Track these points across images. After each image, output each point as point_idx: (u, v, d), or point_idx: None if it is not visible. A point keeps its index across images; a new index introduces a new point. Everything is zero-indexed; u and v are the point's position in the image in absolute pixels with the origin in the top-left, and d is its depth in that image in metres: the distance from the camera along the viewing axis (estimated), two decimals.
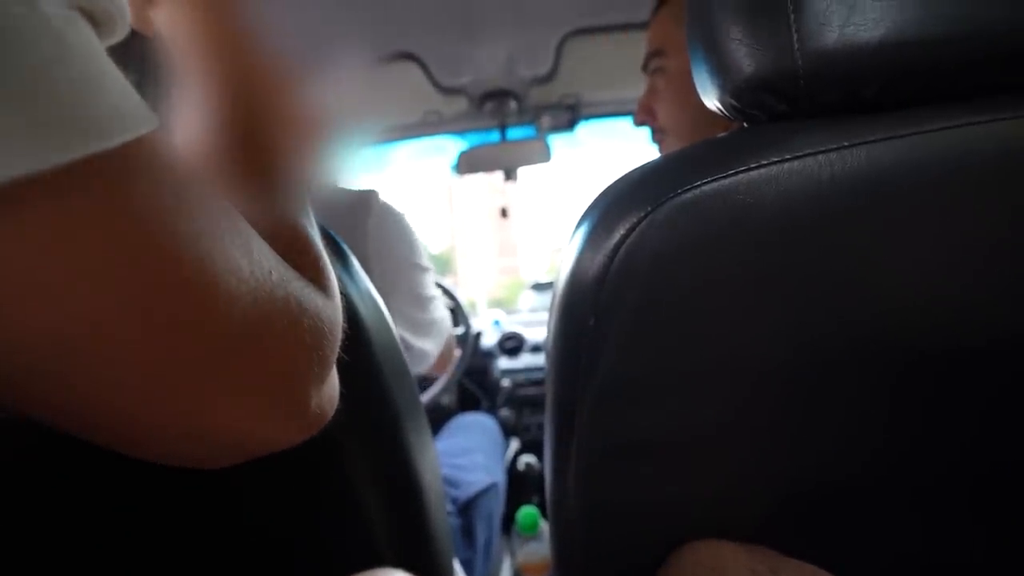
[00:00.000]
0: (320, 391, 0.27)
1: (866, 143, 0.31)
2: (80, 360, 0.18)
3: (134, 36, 0.33)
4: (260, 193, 0.29)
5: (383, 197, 0.82)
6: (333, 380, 0.29)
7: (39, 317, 0.17)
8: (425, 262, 0.89)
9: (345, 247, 0.49)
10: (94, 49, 0.17)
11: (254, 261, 0.22)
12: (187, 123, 0.29)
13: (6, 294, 0.16)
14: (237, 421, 0.23)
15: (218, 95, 0.29)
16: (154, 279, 0.18)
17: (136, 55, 0.33)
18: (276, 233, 0.27)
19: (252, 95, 0.30)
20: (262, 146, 0.30)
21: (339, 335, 0.29)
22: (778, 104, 0.34)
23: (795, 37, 0.32)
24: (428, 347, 0.92)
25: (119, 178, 0.18)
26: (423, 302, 0.89)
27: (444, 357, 1.18)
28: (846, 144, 0.31)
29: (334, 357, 0.28)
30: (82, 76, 0.16)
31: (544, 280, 3.32)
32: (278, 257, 0.25)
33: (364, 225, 0.78)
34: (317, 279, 0.28)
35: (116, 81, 0.18)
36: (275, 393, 0.24)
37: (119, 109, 0.17)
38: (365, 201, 0.80)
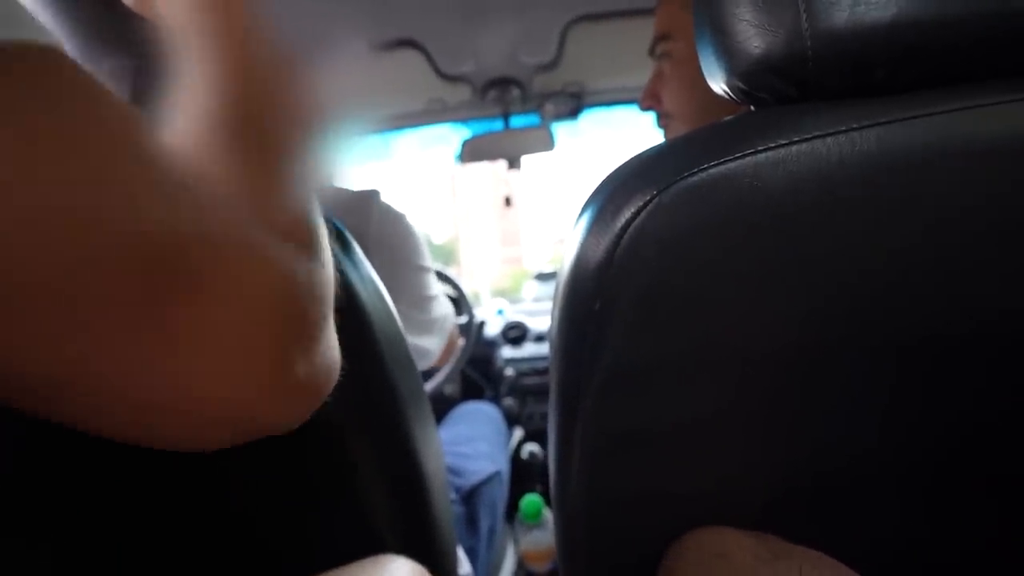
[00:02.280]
0: (307, 357, 0.25)
1: (876, 125, 0.30)
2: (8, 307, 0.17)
3: (134, 18, 0.33)
4: (260, 170, 0.28)
5: (384, 198, 0.82)
6: (329, 351, 0.28)
7: None
8: (427, 262, 0.89)
9: (347, 234, 0.49)
10: None
11: (200, 196, 0.21)
12: (183, 105, 0.29)
13: None
14: (194, 382, 0.21)
15: (217, 80, 0.29)
16: (49, 200, 0.17)
17: (136, 37, 0.33)
18: (271, 206, 0.26)
19: (252, 79, 0.30)
20: (261, 127, 0.30)
21: (328, 298, 0.27)
22: (786, 87, 0.34)
23: (804, 17, 0.31)
24: (429, 344, 0.93)
25: (7, 89, 0.17)
26: (424, 302, 0.90)
27: (446, 353, 1.18)
28: (855, 126, 0.31)
29: (322, 322, 0.27)
30: None
31: (548, 270, 3.32)
32: (245, 209, 0.24)
33: (366, 227, 0.78)
34: (306, 243, 0.27)
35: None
36: (238, 352, 0.22)
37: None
38: (366, 202, 0.80)
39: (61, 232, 0.17)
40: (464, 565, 0.82)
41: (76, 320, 0.18)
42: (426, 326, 0.91)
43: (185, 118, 0.28)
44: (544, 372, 1.74)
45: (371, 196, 0.81)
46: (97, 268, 0.18)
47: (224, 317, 0.21)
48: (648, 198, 0.32)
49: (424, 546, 0.51)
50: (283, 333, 0.24)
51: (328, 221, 0.46)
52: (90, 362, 0.19)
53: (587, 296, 0.34)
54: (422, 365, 0.95)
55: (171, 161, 0.22)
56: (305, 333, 0.25)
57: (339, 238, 0.47)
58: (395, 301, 0.53)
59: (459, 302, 1.49)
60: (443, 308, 0.98)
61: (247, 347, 0.22)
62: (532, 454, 1.64)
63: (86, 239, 0.18)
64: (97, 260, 0.18)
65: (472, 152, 1.48)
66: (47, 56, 0.18)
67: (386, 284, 0.52)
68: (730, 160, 0.31)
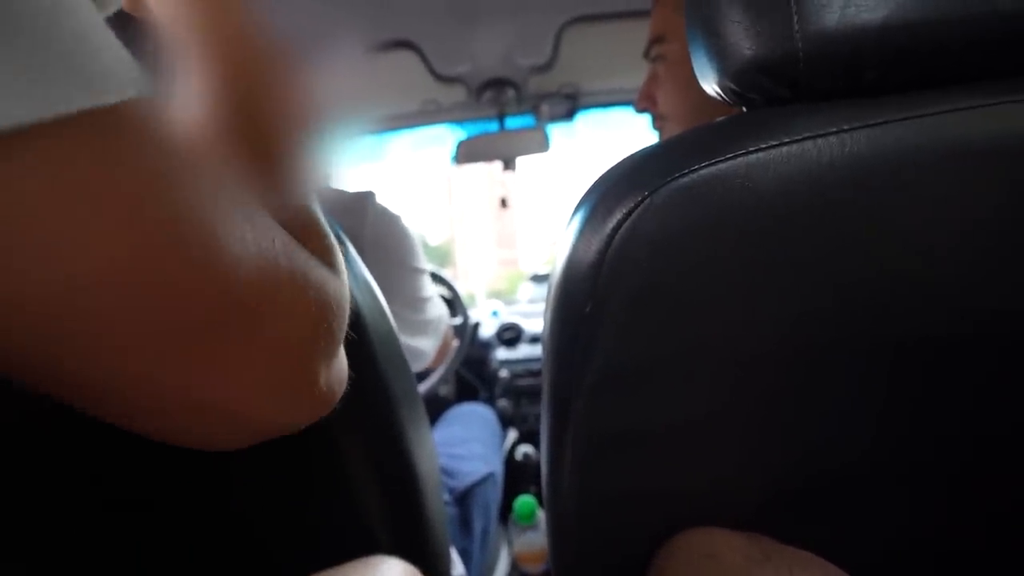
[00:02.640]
0: (329, 368, 0.27)
1: (866, 127, 0.31)
2: (76, 321, 0.18)
3: (128, 18, 0.33)
4: (263, 174, 0.29)
5: (379, 199, 0.82)
6: (342, 361, 0.29)
7: (31, 273, 0.17)
8: (421, 264, 0.89)
9: (343, 235, 0.49)
10: (90, 9, 0.17)
11: (257, 229, 0.22)
12: (185, 107, 0.29)
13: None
14: (241, 394, 0.23)
15: (214, 80, 0.29)
16: (148, 239, 0.18)
17: (130, 37, 0.33)
18: (282, 212, 0.27)
19: (249, 81, 0.30)
20: (262, 129, 0.30)
21: (346, 311, 0.29)
22: (778, 88, 0.34)
23: (795, 19, 0.31)
24: (423, 345, 0.93)
25: (114, 136, 0.17)
26: (419, 304, 0.90)
27: (441, 354, 1.18)
28: (846, 128, 0.31)
29: (342, 334, 0.28)
30: (80, 31, 0.16)
31: (543, 271, 3.31)
32: (282, 230, 0.25)
33: (360, 228, 0.78)
34: (324, 256, 0.28)
35: (113, 42, 0.18)
36: (280, 365, 0.24)
37: (116, 68, 0.18)
38: (361, 204, 0.80)
39: (156, 276, 0.19)
40: (457, 566, 0.82)
41: (147, 345, 0.20)
42: (420, 327, 0.91)
43: (188, 121, 0.28)
44: (538, 374, 1.74)
45: (366, 197, 0.81)
46: (181, 303, 0.19)
47: (271, 337, 0.23)
48: (639, 199, 0.32)
49: (417, 547, 0.51)
50: (316, 348, 0.25)
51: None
52: (151, 376, 0.21)
53: (578, 298, 0.34)
54: (417, 366, 0.95)
55: (241, 196, 0.23)
56: (330, 346, 0.27)
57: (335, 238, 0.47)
58: (390, 302, 0.53)
59: (454, 303, 1.49)
60: (438, 309, 0.98)
61: (286, 365, 0.24)
62: (526, 455, 1.64)
63: (176, 277, 0.19)
64: (183, 295, 0.19)
65: (467, 153, 1.48)
66: (146, 109, 0.19)
67: (381, 285, 0.52)
68: (721, 161, 0.31)
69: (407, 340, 0.86)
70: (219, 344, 0.21)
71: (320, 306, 0.25)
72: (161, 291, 0.19)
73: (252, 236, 0.22)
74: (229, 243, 0.20)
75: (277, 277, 0.23)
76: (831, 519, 0.37)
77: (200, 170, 0.20)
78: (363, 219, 0.79)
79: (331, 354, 0.27)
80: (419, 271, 0.88)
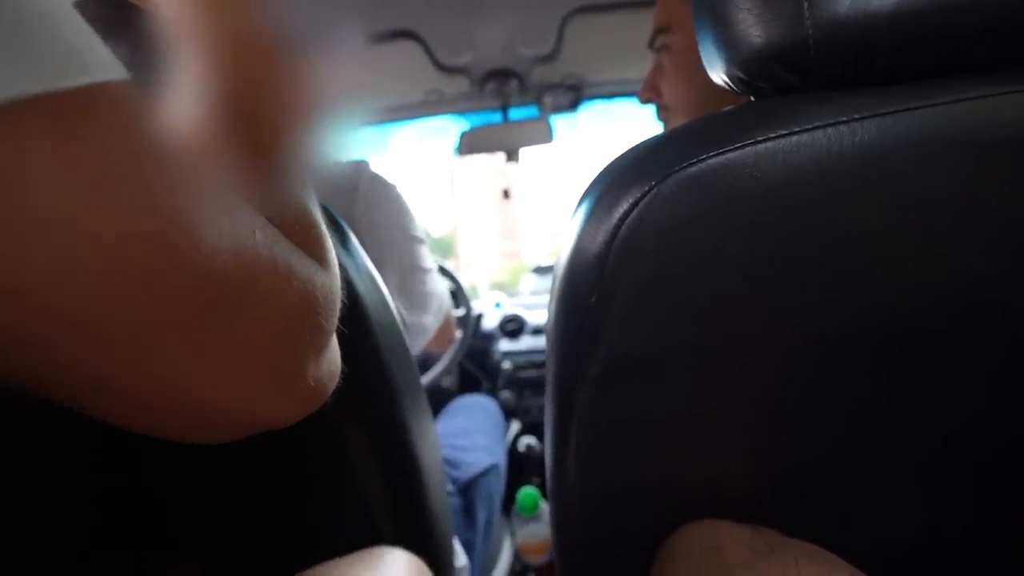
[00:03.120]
0: (317, 363, 0.26)
1: (877, 116, 0.30)
2: (48, 316, 0.18)
3: (129, 8, 0.33)
4: (256, 166, 0.28)
5: (373, 168, 0.81)
6: (333, 354, 0.29)
7: (2, 267, 0.16)
8: (419, 233, 0.88)
9: (343, 223, 0.48)
10: None
11: (236, 219, 0.22)
12: (179, 95, 0.28)
13: None
14: (222, 389, 0.23)
15: (214, 71, 0.29)
16: (119, 227, 0.18)
17: (131, 27, 0.33)
18: (272, 204, 0.27)
19: (248, 71, 0.30)
20: (259, 121, 0.30)
21: (336, 306, 0.28)
22: (787, 76, 0.33)
23: (806, 5, 0.31)
24: (425, 321, 0.91)
25: (78, 120, 0.17)
26: (418, 274, 0.88)
27: (444, 333, 1.17)
28: (856, 117, 0.30)
29: (331, 328, 0.28)
30: (38, 12, 0.16)
31: (546, 263, 3.32)
32: (265, 222, 0.24)
33: (354, 196, 0.77)
34: (313, 249, 0.28)
35: (77, 25, 0.17)
36: (263, 357, 0.23)
37: (79, 52, 0.17)
38: (355, 172, 0.79)
39: (123, 264, 0.18)
40: (461, 557, 0.82)
41: (128, 336, 0.19)
42: (421, 300, 0.89)
43: (182, 111, 0.28)
44: (541, 365, 1.74)
45: (359, 167, 0.80)
46: (155, 293, 0.19)
47: (252, 332, 0.23)
48: (647, 188, 0.32)
49: (421, 538, 0.51)
50: (301, 344, 0.25)
51: (322, 209, 0.46)
52: (134, 371, 0.20)
53: (584, 288, 0.34)
54: (418, 343, 0.94)
55: (218, 186, 0.22)
56: (318, 342, 0.26)
57: (334, 226, 0.47)
58: (388, 272, 0.52)
59: (457, 295, 1.49)
60: (439, 284, 0.96)
61: (269, 358, 0.24)
62: (529, 447, 1.64)
63: (148, 266, 0.19)
64: (156, 285, 0.19)
65: (470, 144, 1.47)
66: (116, 94, 0.18)
67: (378, 254, 0.52)
68: (729, 150, 0.31)
69: (408, 314, 0.85)
70: (197, 333, 0.21)
71: (305, 298, 0.25)
72: (129, 279, 0.18)
73: (230, 227, 0.21)
74: (204, 232, 0.20)
75: (257, 266, 0.22)
76: (836, 512, 0.37)
77: (175, 158, 0.20)
78: (357, 186, 0.78)
79: (319, 348, 0.27)
80: (417, 239, 0.87)
